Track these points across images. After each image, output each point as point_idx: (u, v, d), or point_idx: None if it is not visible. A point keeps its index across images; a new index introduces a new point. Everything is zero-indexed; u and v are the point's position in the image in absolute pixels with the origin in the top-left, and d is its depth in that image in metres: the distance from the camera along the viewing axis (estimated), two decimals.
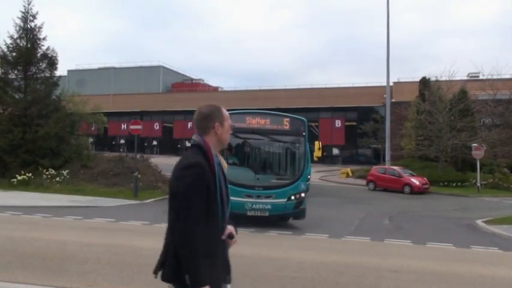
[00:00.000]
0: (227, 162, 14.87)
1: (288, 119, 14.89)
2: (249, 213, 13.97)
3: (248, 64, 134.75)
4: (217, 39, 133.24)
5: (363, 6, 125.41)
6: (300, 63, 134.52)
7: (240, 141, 15.08)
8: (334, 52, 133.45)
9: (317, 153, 15.73)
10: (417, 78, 45.65)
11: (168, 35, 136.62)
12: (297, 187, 14.41)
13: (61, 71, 34.95)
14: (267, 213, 14.12)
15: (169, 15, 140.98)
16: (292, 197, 14.23)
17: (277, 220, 14.91)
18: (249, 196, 13.97)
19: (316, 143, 15.99)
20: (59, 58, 27.06)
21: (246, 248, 10.87)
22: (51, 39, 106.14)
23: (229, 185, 11.88)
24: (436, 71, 73.31)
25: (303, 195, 14.47)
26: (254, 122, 14.58)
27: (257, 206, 14.01)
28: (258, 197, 14.03)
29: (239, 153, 15.49)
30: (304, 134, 14.67)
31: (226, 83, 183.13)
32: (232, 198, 13.88)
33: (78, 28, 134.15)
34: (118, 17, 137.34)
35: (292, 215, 14.75)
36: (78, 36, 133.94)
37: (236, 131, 14.63)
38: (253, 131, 14.56)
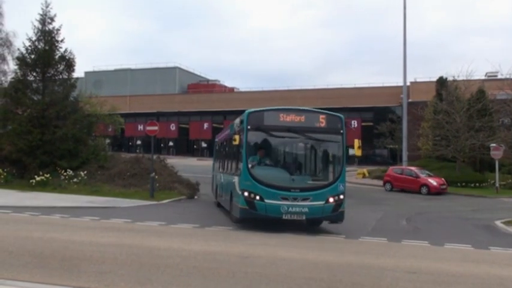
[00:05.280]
0: (260, 163, 13.40)
1: (324, 116, 13.96)
2: (284, 217, 13.15)
3: (268, 64, 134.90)
4: (238, 39, 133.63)
5: (386, 5, 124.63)
6: (322, 63, 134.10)
7: (274, 140, 14.19)
8: (356, 52, 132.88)
9: (357, 152, 14.68)
10: (434, 77, 45.31)
11: (189, 35, 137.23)
12: (335, 188, 13.55)
13: (79, 72, 35.32)
14: (303, 217, 13.31)
15: (191, 15, 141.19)
16: (331, 199, 13.37)
17: (308, 224, 14.39)
18: (285, 199, 13.09)
19: (356, 141, 14.91)
20: (78, 59, 27.45)
21: (262, 249, 10.87)
22: (74, 40, 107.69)
23: (264, 187, 12.27)
24: (455, 71, 72.51)
25: (341, 197, 13.59)
26: (288, 119, 13.63)
27: (293, 209, 13.09)
28: (295, 199, 13.12)
29: (273, 153, 14.79)
30: (342, 131, 13.83)
31: (246, 84, 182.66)
32: (267, 200, 12.75)
33: (101, 29, 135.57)
34: (139, 18, 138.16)
35: (330, 218, 13.80)
36: (101, 37, 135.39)
37: (270, 129, 13.72)
38: (288, 129, 13.63)
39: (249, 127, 13.45)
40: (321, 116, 13.92)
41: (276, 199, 13.03)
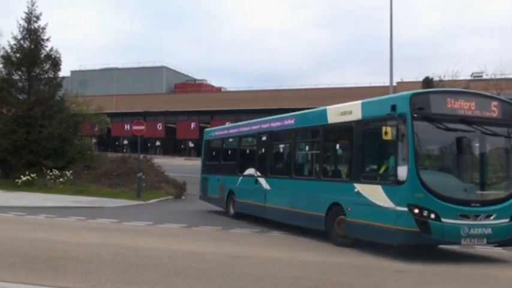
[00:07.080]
0: (427, 167, 10.33)
1: (496, 103, 10.58)
2: (463, 242, 9.76)
3: (266, 64, 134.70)
4: (233, 39, 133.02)
5: (386, 5, 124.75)
6: (320, 63, 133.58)
7: (443, 134, 10.18)
8: (355, 51, 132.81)
9: None
10: (422, 78, 45.57)
11: (181, 35, 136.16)
12: None
13: (65, 71, 35.05)
14: (484, 241, 9.88)
15: (187, 15, 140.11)
16: None
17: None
18: (465, 216, 9.62)
19: None
20: (76, 58, 27.89)
21: (250, 249, 10.87)
22: (73, 40, 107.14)
23: (441, 201, 8.96)
24: (441, 71, 73.29)
25: None
26: (457, 105, 10.10)
27: (475, 230, 9.62)
28: (477, 216, 9.71)
29: (441, 153, 11.32)
30: None
31: (239, 84, 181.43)
32: (444, 220, 9.63)
33: (100, 28, 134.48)
34: (139, 18, 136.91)
35: (510, 241, 10.34)
36: (101, 37, 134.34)
37: (439, 119, 9.96)
38: (460, 120, 10.04)
39: (415, 115, 9.68)
40: (493, 103, 10.58)
41: (455, 217, 9.59)
